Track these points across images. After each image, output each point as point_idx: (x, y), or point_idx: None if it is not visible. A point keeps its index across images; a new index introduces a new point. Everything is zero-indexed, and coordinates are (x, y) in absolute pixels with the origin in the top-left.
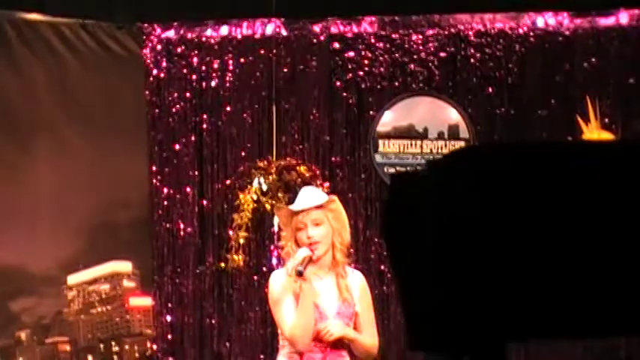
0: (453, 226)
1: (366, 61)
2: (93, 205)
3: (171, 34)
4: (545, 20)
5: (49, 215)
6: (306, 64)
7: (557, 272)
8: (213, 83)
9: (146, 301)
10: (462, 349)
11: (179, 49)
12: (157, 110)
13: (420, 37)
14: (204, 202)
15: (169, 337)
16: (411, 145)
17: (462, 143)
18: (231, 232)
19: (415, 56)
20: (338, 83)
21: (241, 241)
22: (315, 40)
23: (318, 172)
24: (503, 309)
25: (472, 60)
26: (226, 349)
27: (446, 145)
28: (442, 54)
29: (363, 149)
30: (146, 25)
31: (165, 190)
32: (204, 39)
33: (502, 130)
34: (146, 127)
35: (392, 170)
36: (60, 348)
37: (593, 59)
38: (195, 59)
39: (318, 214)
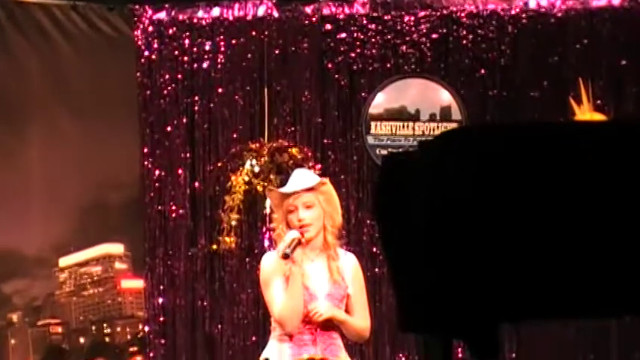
0: (444, 206)
1: (357, 43)
2: (84, 187)
3: (162, 15)
4: (537, 1)
5: (41, 197)
6: (297, 46)
7: (549, 253)
8: (204, 65)
9: (138, 283)
10: (453, 330)
11: (170, 31)
12: (148, 92)
13: (412, 18)
14: (196, 184)
15: (161, 319)
16: (403, 126)
17: (454, 125)
18: (222, 214)
19: (407, 38)
20: (330, 65)
21: (233, 223)
22: (306, 22)
23: (310, 154)
24: (495, 290)
25: (464, 41)
26: (218, 331)
27: (438, 127)
28: (434, 35)
29: (354, 131)
30: (137, 6)
31: (157, 172)
32: (195, 20)
33: (494, 111)
34: (137, 108)
35: (384, 152)
36: (52, 330)
37: (586, 41)
38: (186, 41)
39: (309, 197)
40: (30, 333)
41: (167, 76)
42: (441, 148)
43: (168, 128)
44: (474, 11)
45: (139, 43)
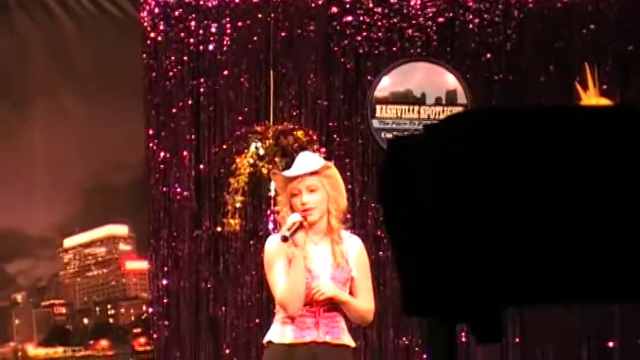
0: (451, 185)
1: (364, 26)
2: (89, 168)
3: None
4: None
5: (46, 178)
6: (303, 29)
7: (554, 236)
8: (210, 47)
9: (142, 265)
10: (457, 313)
11: (176, 13)
12: (153, 74)
13: (418, 2)
14: (201, 166)
15: (165, 300)
16: (409, 110)
17: (459, 109)
18: (227, 197)
19: (413, 21)
20: (336, 48)
21: (237, 205)
22: (313, 5)
23: (315, 137)
24: (500, 273)
25: (470, 26)
26: (222, 313)
27: (443, 111)
28: (440, 19)
29: (360, 114)
30: None
31: (162, 153)
32: (201, 2)
33: (500, 96)
34: (142, 90)
35: (389, 135)
36: (56, 310)
37: (592, 26)
38: (192, 23)
39: (313, 181)
40: (34, 313)
41: (173, 58)
42: (447, 131)
43: (174, 110)
44: None
45: (145, 24)
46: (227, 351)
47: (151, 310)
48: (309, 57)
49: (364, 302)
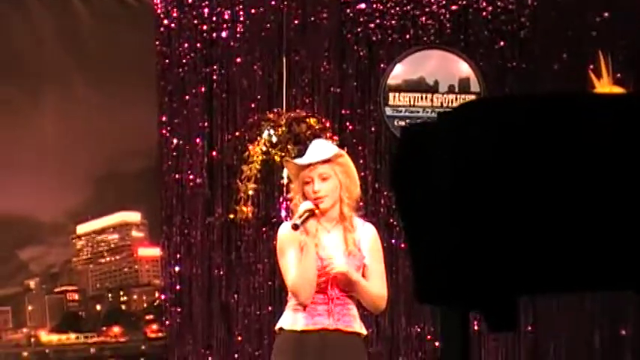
0: (468, 169)
1: (377, 14)
2: (102, 155)
3: None
4: None
5: (58, 164)
6: (317, 16)
7: (570, 223)
8: (223, 34)
9: (154, 252)
10: (471, 301)
11: (190, 0)
12: (166, 61)
13: None
14: (214, 153)
15: (177, 287)
16: (422, 98)
17: (472, 97)
18: (240, 184)
19: (426, 9)
20: (349, 35)
21: (250, 192)
22: None
23: (327, 125)
24: (516, 259)
25: (484, 13)
26: (234, 300)
27: (456, 99)
28: (453, 7)
29: (373, 102)
30: None
31: (175, 140)
32: None
33: (513, 84)
34: (155, 77)
35: (402, 123)
36: (68, 297)
37: (606, 13)
38: (205, 10)
39: (325, 169)
40: (47, 300)
41: (186, 45)
42: (462, 116)
43: (187, 97)
44: None
45: (159, 11)
46: (239, 338)
47: (163, 296)
48: (322, 44)
49: (376, 287)
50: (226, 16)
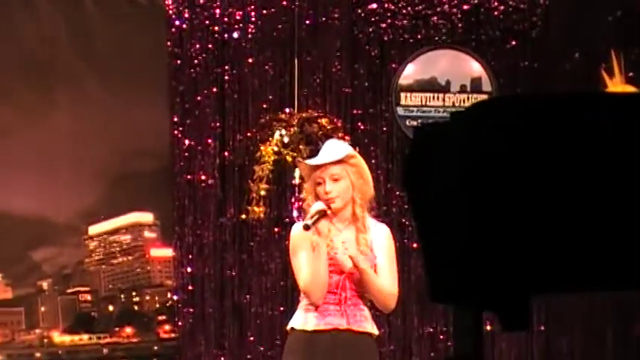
0: (481, 168)
1: (388, 14)
2: (114, 155)
3: None
4: None
5: (71, 165)
6: (328, 16)
7: (581, 222)
8: (235, 35)
9: (167, 252)
10: (484, 300)
11: (201, 0)
12: (178, 61)
13: None
14: (226, 154)
15: (190, 288)
16: (433, 98)
17: (484, 97)
18: (252, 184)
19: (438, 9)
20: (360, 35)
21: (262, 193)
22: None
23: (339, 125)
24: (530, 259)
25: (495, 13)
26: (246, 300)
27: (468, 99)
28: (465, 7)
29: (384, 102)
30: None
31: (187, 141)
32: None
33: (525, 83)
34: (167, 78)
35: (414, 123)
36: (81, 298)
37: (619, 12)
38: (217, 10)
39: (337, 170)
40: (59, 300)
41: (198, 46)
42: (475, 116)
43: (199, 98)
44: None
45: (170, 12)
46: (251, 338)
47: (175, 297)
48: (334, 44)
49: (386, 284)
50: (238, 17)
